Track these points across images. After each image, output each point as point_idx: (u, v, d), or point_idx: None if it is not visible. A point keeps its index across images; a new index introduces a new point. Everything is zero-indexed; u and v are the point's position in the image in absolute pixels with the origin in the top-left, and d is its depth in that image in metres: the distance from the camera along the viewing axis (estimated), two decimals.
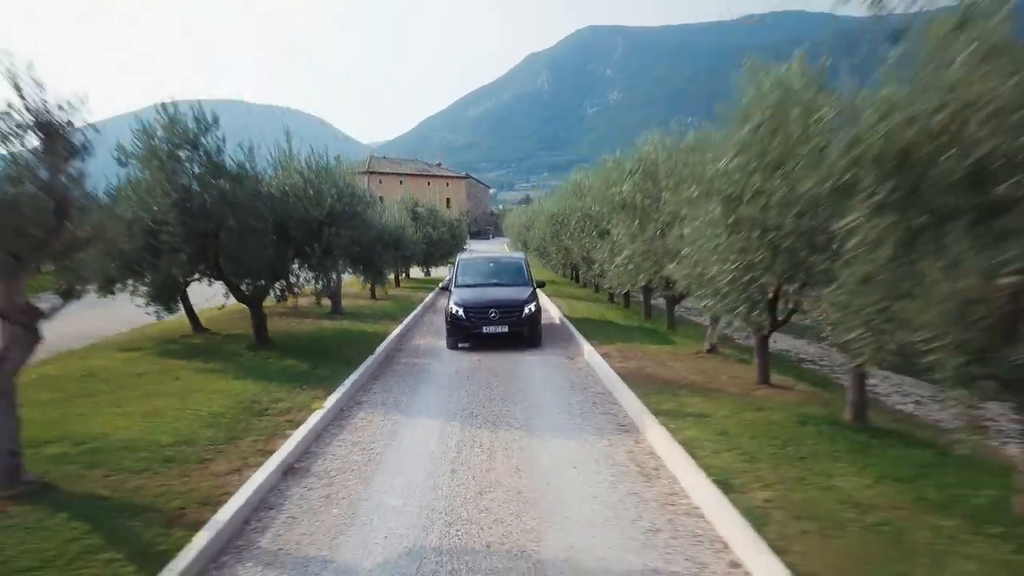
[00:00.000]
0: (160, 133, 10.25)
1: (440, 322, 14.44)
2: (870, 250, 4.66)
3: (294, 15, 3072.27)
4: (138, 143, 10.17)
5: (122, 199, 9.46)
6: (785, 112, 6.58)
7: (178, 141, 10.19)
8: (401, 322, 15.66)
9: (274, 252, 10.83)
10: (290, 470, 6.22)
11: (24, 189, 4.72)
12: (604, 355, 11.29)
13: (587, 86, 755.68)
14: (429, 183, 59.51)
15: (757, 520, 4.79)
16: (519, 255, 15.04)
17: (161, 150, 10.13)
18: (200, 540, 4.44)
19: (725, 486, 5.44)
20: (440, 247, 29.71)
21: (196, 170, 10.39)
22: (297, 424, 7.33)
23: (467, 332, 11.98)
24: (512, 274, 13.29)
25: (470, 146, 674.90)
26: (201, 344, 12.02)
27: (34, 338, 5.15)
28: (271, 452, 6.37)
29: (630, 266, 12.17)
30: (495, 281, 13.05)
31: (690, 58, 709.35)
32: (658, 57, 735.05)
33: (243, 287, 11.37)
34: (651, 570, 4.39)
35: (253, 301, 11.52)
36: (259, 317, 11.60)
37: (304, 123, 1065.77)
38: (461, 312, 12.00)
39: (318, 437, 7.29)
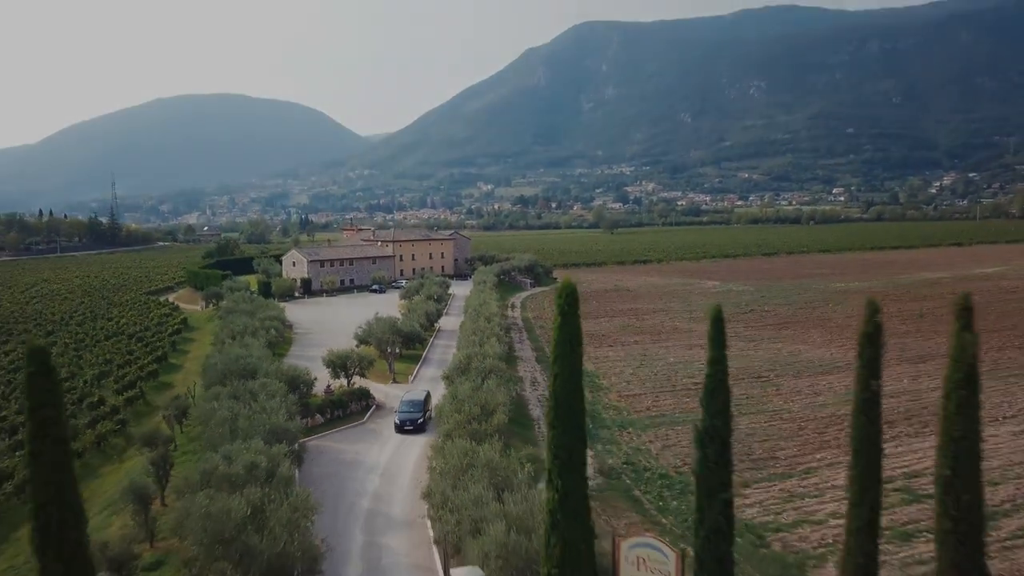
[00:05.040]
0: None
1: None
2: None
3: (294, 10, 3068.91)
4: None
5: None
6: None
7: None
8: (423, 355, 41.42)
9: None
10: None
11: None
12: None
13: (583, 81, 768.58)
14: (430, 243, 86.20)
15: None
16: (422, 397, 29.15)
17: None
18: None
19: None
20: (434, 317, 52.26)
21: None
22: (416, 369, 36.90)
23: (400, 427, 27.21)
24: (418, 408, 28.06)
25: (468, 140, 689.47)
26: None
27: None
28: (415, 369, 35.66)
29: None
30: (411, 410, 27.78)
31: (683, 53, 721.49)
32: (652, 52, 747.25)
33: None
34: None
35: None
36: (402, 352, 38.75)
37: (305, 117, 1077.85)
38: (397, 422, 27.49)
39: (417, 371, 36.45)
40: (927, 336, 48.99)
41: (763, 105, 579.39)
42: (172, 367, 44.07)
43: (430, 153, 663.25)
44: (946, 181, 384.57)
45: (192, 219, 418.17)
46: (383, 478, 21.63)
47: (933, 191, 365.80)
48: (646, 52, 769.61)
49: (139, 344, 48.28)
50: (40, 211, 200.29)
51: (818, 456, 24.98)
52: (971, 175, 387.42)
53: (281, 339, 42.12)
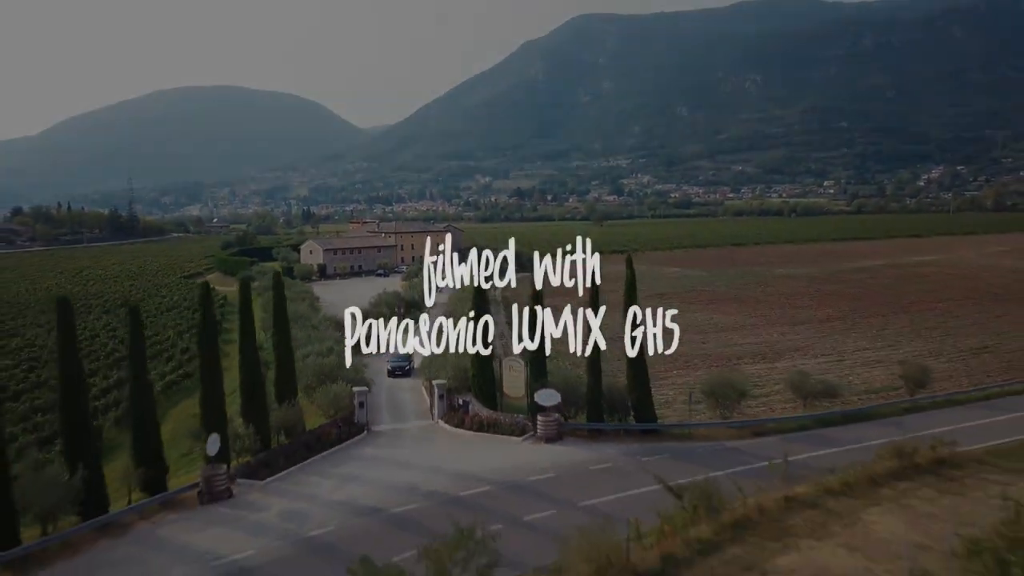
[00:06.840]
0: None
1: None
2: None
3: (293, 3, 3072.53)
4: None
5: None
6: None
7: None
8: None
9: None
10: None
11: None
12: None
13: (580, 74, 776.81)
14: (428, 236, 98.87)
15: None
16: (407, 355, 36.97)
17: None
18: None
19: None
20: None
21: None
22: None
23: (391, 373, 35.89)
24: (406, 359, 36.54)
25: (467, 133, 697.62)
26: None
27: None
28: None
29: None
30: (400, 361, 36.28)
31: (680, 47, 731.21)
32: (649, 46, 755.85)
33: None
34: None
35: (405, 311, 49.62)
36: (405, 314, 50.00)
37: (303, 109, 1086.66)
38: (389, 369, 36.08)
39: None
40: (819, 309, 61.83)
41: (758, 99, 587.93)
42: (226, 330, 57.12)
43: (428, 146, 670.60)
44: (934, 174, 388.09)
45: (195, 211, 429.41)
46: (396, 377, 35.03)
47: (921, 184, 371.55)
48: (643, 45, 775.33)
49: (196, 314, 61.27)
50: (59, 204, 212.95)
51: (674, 372, 38.14)
52: (959, 168, 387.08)
53: (312, 309, 54.89)
